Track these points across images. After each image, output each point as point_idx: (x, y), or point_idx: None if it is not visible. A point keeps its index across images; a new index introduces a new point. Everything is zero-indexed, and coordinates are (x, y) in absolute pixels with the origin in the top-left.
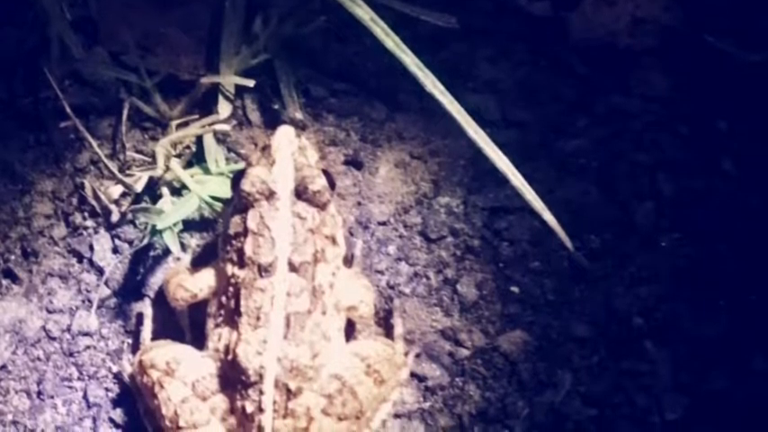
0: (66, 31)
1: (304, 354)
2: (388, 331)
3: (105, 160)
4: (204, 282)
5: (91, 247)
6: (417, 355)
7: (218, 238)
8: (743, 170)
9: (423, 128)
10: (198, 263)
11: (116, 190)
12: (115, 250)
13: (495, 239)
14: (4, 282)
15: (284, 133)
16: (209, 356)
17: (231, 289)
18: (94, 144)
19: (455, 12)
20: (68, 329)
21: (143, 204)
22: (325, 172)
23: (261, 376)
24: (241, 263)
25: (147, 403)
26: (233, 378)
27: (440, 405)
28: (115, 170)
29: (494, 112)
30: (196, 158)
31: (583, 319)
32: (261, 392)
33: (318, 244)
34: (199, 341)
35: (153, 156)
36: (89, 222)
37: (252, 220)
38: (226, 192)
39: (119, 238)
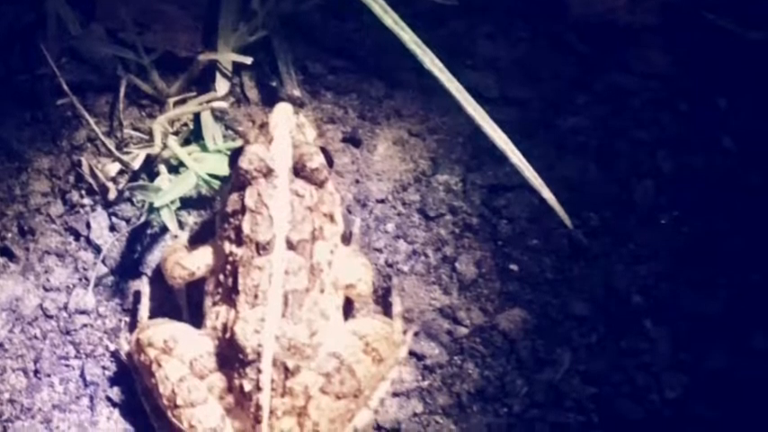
0: (64, 7)
1: (302, 332)
2: (387, 309)
3: (102, 138)
4: (202, 260)
5: (88, 225)
6: (416, 334)
7: (216, 215)
8: (743, 147)
9: (421, 105)
10: (195, 241)
11: (113, 167)
12: (112, 228)
13: (494, 217)
14: (1, 260)
15: (282, 110)
16: (206, 335)
17: (229, 267)
18: (92, 121)
19: None
20: (65, 308)
21: (140, 182)
22: (324, 149)
23: (259, 355)
24: (239, 241)
25: (145, 382)
26: (231, 356)
27: (438, 383)
28: (112, 148)
29: (493, 89)
30: (194, 136)
31: (582, 298)
32: (259, 371)
33: (316, 222)
34: (196, 319)
35: (150, 133)
36: (86, 200)
37: (249, 197)
38: (223, 169)
39: (116, 215)
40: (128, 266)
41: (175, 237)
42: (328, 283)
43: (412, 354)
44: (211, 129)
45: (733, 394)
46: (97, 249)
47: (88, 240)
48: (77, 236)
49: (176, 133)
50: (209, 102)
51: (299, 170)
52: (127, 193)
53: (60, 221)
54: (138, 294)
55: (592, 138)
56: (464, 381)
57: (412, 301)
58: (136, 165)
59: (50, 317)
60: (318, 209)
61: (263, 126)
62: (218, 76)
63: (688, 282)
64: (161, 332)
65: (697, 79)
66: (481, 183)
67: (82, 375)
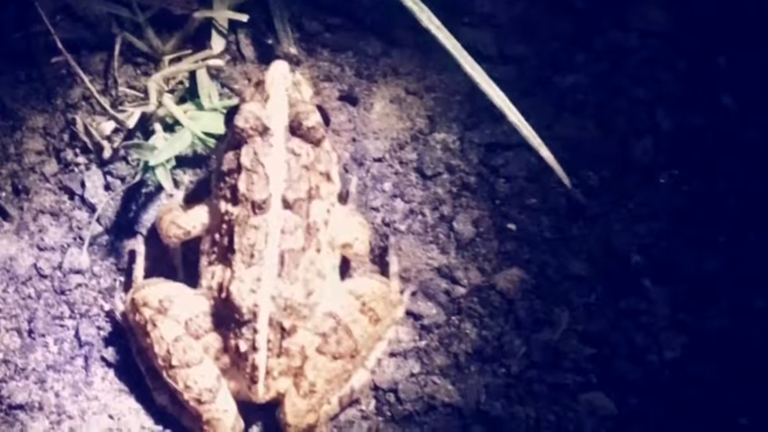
0: None
1: (298, 292)
2: (384, 269)
3: (97, 96)
4: (197, 219)
5: (83, 184)
6: (413, 293)
7: (212, 174)
8: (742, 106)
9: (418, 63)
10: (191, 200)
11: (108, 126)
12: (107, 187)
13: (492, 176)
14: None
15: (278, 68)
16: (202, 294)
17: (224, 226)
18: (86, 80)
19: None
20: (60, 267)
21: (135, 140)
22: (320, 108)
23: (255, 314)
24: (234, 200)
25: (140, 342)
26: (226, 316)
27: (436, 344)
28: (107, 106)
29: (490, 47)
30: (189, 94)
31: (580, 257)
32: (255, 331)
33: (313, 181)
34: (192, 279)
35: (145, 91)
36: (81, 159)
37: (245, 156)
38: (219, 128)
39: (111, 174)
40: (123, 226)
41: (171, 196)
42: (325, 242)
43: (409, 314)
44: (207, 87)
45: (733, 354)
46: (92, 208)
47: (83, 199)
48: (72, 195)
49: (172, 91)
50: (204, 60)
51: (295, 129)
52: (122, 152)
53: (55, 180)
54: (132, 254)
55: (590, 96)
56: (462, 341)
57: (409, 260)
58: (131, 123)
59: (44, 276)
60: (315, 168)
61: (259, 84)
62: (213, 33)
63: (687, 241)
64: (156, 292)
65: (696, 37)
66: (479, 141)
67: (76, 336)
